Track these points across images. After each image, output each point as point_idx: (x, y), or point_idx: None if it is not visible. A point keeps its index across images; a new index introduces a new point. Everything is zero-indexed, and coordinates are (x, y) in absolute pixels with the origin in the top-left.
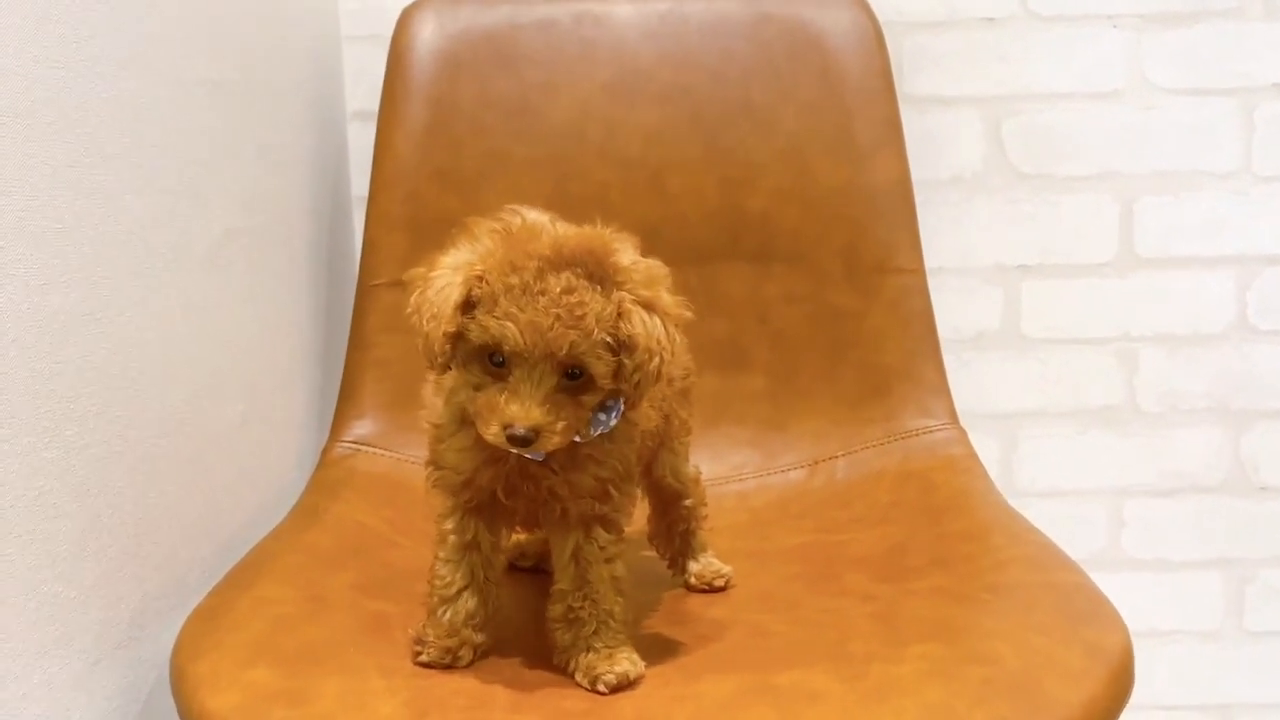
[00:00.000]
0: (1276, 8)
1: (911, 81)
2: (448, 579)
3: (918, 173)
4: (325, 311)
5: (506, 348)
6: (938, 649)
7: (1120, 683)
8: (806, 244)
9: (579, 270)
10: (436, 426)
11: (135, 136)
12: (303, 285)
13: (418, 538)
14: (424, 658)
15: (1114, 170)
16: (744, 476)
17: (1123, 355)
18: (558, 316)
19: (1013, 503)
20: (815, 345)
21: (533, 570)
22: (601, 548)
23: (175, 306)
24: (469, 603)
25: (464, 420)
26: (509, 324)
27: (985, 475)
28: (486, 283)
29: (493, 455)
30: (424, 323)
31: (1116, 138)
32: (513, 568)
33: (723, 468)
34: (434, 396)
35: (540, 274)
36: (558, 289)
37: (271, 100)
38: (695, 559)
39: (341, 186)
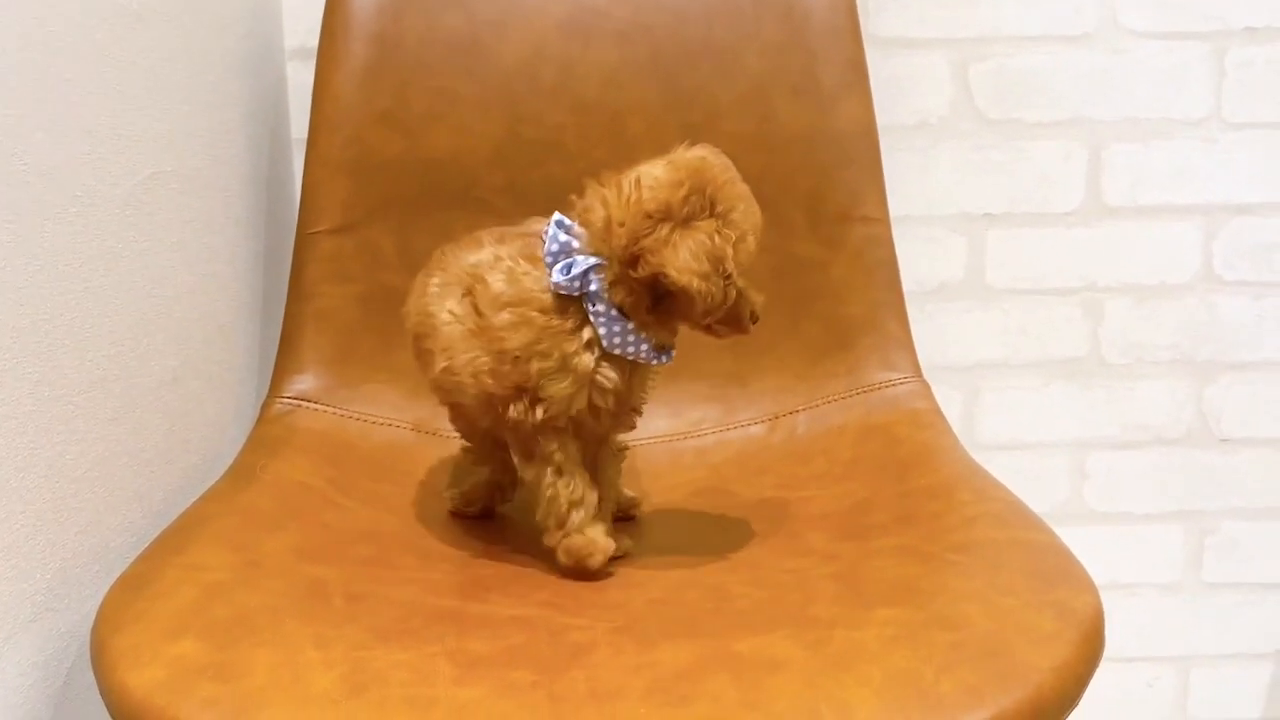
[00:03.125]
0: None
1: (877, 22)
2: (569, 484)
3: (883, 118)
4: (264, 260)
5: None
6: (903, 612)
7: (1091, 645)
8: (770, 192)
9: None
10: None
11: (43, 69)
12: (239, 232)
13: (360, 498)
14: (595, 561)
15: (1083, 116)
16: (703, 432)
17: (1088, 306)
18: None
19: (975, 456)
20: (777, 297)
21: (480, 516)
22: (617, 451)
23: (94, 254)
24: (591, 495)
25: (565, 365)
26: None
27: (949, 430)
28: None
29: (593, 386)
30: (722, 275)
31: (1086, 83)
32: (459, 515)
33: (681, 424)
34: (541, 341)
35: None
36: None
37: (202, 35)
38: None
39: (281, 128)
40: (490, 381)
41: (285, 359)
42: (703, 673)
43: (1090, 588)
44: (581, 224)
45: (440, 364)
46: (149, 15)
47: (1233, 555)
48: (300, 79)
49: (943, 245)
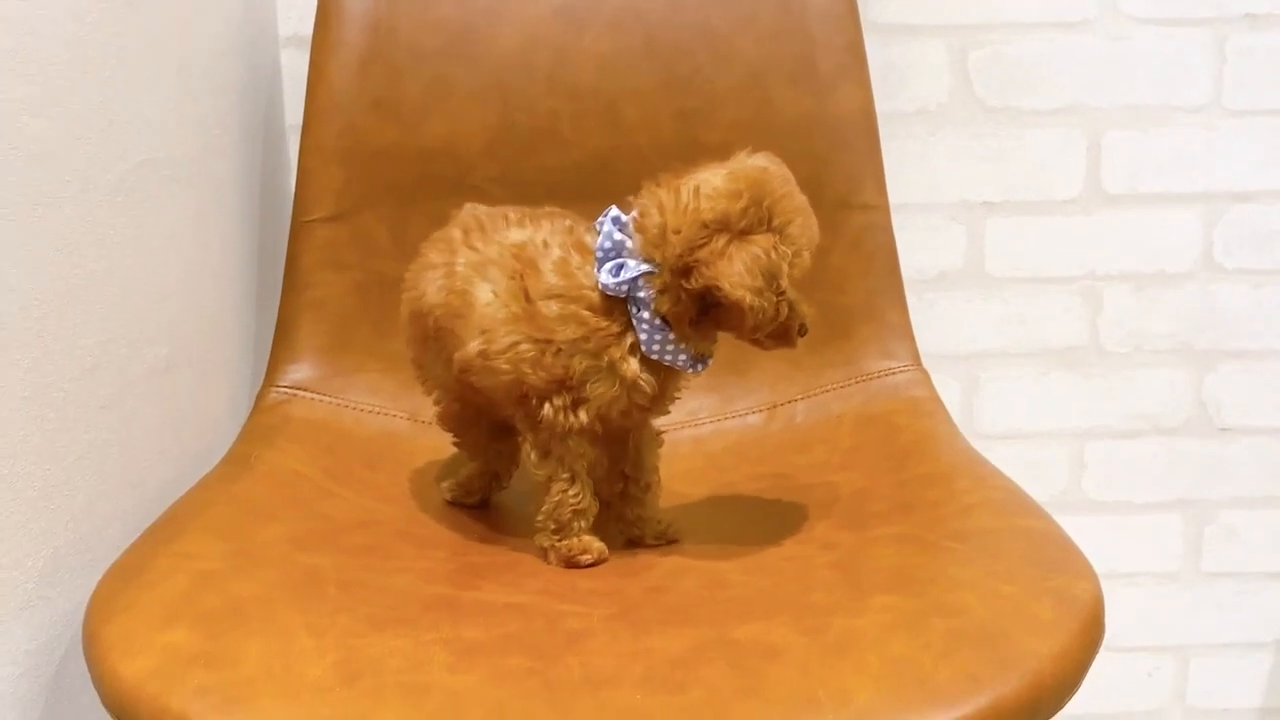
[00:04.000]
0: None
1: (875, 8)
2: (578, 494)
3: (881, 105)
4: (258, 248)
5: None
6: (902, 600)
7: (1091, 634)
8: None
9: None
10: (595, 382)
11: (34, 55)
12: (232, 220)
13: (356, 487)
14: (587, 560)
15: (1082, 103)
16: (700, 422)
17: (1087, 294)
18: None
19: (974, 445)
20: None
21: (477, 506)
22: (654, 436)
23: (84, 240)
24: (594, 507)
25: (611, 370)
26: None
27: (948, 418)
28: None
29: (634, 389)
30: (775, 291)
31: (1085, 69)
32: (457, 504)
33: (679, 413)
34: (589, 340)
35: None
36: None
37: (195, 21)
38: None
39: (275, 116)
40: (529, 370)
41: (280, 348)
42: (699, 660)
43: (1090, 574)
44: (636, 227)
45: (475, 346)
46: (140, 1)
47: (1232, 544)
48: (295, 66)
49: (942, 233)
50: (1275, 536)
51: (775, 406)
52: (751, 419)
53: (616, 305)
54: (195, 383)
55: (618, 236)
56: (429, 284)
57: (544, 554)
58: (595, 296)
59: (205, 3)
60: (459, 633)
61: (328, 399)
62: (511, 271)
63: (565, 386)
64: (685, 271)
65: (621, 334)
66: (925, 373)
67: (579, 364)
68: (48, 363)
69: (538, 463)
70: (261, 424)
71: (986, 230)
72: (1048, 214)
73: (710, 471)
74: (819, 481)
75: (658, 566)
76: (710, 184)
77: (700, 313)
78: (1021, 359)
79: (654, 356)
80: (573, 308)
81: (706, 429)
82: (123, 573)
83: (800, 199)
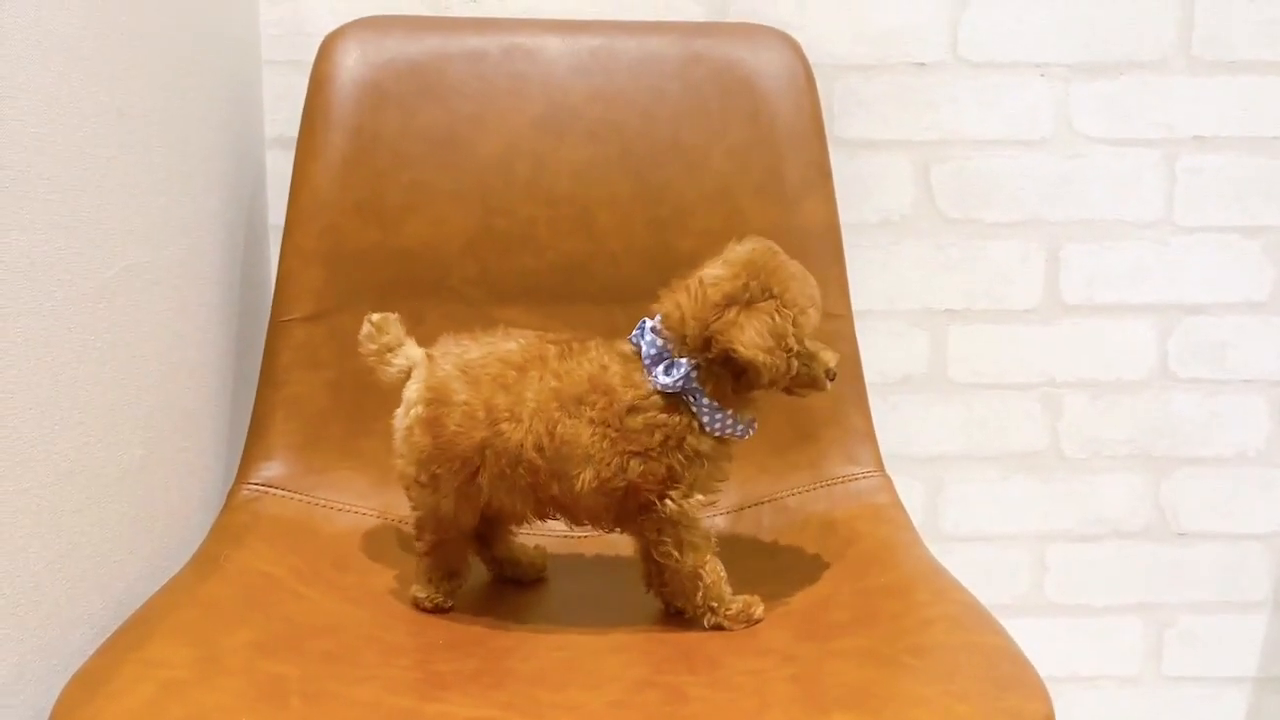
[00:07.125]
0: (1198, 62)
1: (842, 124)
2: (720, 566)
3: (847, 216)
4: (236, 346)
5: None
6: (859, 719)
7: None
8: None
9: None
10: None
11: (24, 168)
12: (212, 319)
13: (324, 588)
14: (761, 610)
15: (1040, 217)
16: None
17: (1047, 401)
18: None
19: (937, 547)
20: None
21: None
22: None
23: (65, 347)
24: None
25: (697, 455)
26: None
27: (910, 525)
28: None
29: (715, 468)
30: (785, 349)
31: (1043, 185)
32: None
33: None
34: (670, 438)
35: None
36: None
37: (183, 127)
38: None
39: (258, 215)
40: (641, 481)
41: (254, 445)
42: None
43: (1042, 695)
44: (666, 326)
45: (588, 476)
46: (130, 111)
47: (1192, 648)
48: (279, 166)
49: (905, 339)
50: (1235, 641)
51: (742, 509)
52: (718, 521)
53: (675, 400)
54: (168, 480)
55: (659, 343)
56: (502, 426)
57: (718, 628)
58: (660, 399)
59: (195, 108)
60: None
61: (299, 496)
62: (589, 400)
63: (673, 481)
64: (706, 345)
65: (690, 423)
66: (888, 478)
67: (673, 459)
68: (23, 469)
69: (681, 557)
70: (231, 522)
71: (949, 337)
72: (1008, 322)
73: None
74: (783, 589)
75: (621, 679)
76: (711, 274)
77: (734, 381)
78: (984, 463)
79: (717, 433)
80: (652, 415)
81: None
82: (87, 680)
83: (793, 266)
